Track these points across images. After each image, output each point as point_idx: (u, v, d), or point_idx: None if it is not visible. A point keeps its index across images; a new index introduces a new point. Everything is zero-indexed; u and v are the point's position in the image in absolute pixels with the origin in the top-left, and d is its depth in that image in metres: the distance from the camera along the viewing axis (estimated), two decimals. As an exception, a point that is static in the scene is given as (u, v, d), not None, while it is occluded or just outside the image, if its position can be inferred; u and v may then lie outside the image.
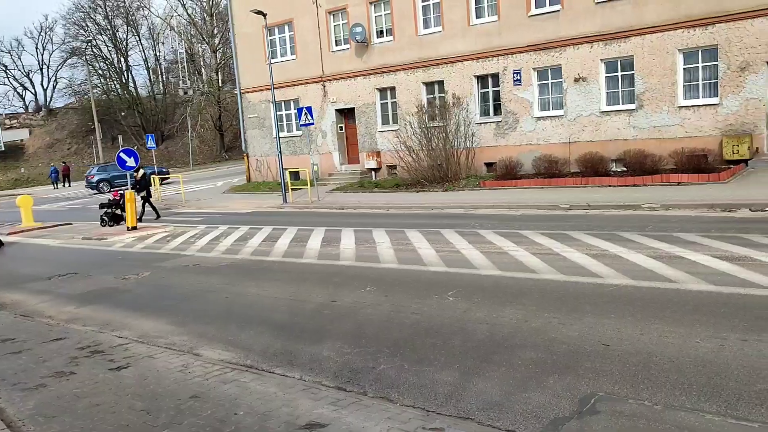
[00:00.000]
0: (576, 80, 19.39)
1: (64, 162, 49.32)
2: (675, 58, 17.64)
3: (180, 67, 66.05)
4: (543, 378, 5.12)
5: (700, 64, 17.45)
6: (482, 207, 15.93)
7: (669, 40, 17.62)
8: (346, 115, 26.00)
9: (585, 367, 5.24)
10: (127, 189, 18.17)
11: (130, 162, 17.62)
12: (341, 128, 26.26)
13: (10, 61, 72.21)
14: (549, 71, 20.09)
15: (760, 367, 4.95)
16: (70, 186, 44.59)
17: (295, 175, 23.31)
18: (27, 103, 68.19)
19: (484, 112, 21.89)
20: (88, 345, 7.16)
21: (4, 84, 67.04)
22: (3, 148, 55.52)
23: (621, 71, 18.76)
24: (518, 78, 20.57)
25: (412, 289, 8.39)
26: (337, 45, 25.45)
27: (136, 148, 27.41)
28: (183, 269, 11.65)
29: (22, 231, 19.58)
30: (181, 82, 65.50)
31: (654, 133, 18.12)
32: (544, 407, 4.62)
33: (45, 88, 68.98)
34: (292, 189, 22.14)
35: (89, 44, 55.08)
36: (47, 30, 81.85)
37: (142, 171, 19.60)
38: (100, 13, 59.26)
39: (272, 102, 23.97)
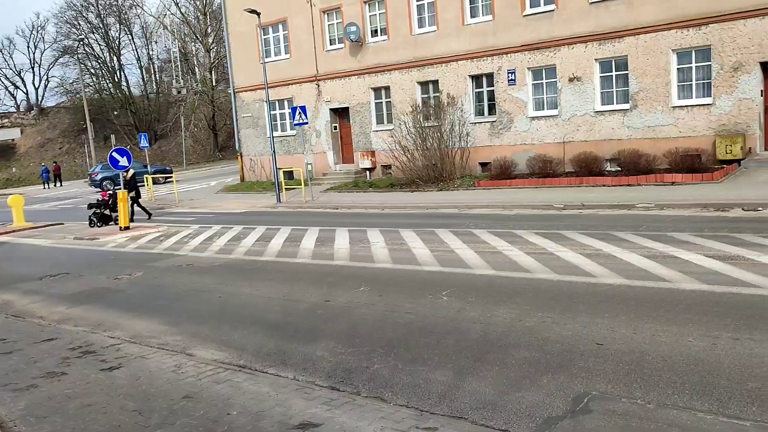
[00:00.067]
0: (570, 80, 19.43)
1: (55, 161, 49.11)
2: (669, 58, 17.71)
3: (173, 66, 65.76)
4: (536, 377, 5.12)
5: (693, 65, 17.53)
6: (477, 207, 15.95)
7: (663, 40, 17.69)
8: (341, 114, 25.98)
9: (578, 366, 5.25)
10: (119, 189, 18.08)
11: (123, 161, 17.54)
12: (335, 128, 26.23)
13: (1, 59, 72.27)
14: (543, 71, 20.13)
15: (751, 365, 4.97)
16: (61, 186, 44.39)
17: (289, 174, 23.28)
18: (18, 102, 67.82)
19: (479, 112, 21.91)
20: (80, 345, 7.13)
21: (-4, 83, 66.38)
22: (-6, 148, 55.37)
23: (615, 71, 18.81)
24: (513, 78, 20.60)
25: (406, 289, 8.39)
26: (331, 44, 25.43)
27: (128, 147, 27.32)
28: (176, 269, 11.60)
29: (14, 231, 19.46)
30: (174, 81, 65.20)
31: (648, 133, 18.18)
32: (537, 406, 4.63)
33: (37, 87, 68.57)
34: (286, 189, 22.10)
35: (81, 43, 54.65)
36: (39, 28, 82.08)
37: (132, 171, 19.50)
38: (92, 12, 59.04)
39: (266, 101, 23.92)
